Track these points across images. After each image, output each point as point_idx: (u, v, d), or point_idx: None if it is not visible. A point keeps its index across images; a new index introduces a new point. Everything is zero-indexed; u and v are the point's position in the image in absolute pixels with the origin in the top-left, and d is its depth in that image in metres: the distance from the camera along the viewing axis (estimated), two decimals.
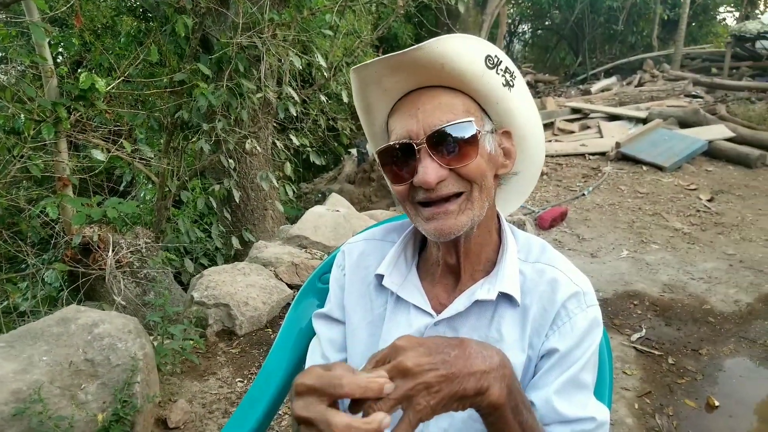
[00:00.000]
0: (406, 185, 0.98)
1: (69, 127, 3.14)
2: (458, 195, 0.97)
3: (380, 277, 1.09)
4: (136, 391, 2.36)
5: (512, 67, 1.01)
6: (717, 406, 3.01)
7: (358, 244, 1.20)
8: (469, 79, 0.96)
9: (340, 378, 0.70)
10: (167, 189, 3.97)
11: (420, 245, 1.15)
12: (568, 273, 1.05)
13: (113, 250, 3.38)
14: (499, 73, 0.98)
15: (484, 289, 1.02)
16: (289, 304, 3.63)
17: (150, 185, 4.78)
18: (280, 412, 2.82)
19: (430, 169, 0.93)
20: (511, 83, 1.01)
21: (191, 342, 2.96)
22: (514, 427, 0.84)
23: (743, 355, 3.47)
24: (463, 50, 0.94)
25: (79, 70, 3.83)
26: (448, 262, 1.07)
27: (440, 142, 0.94)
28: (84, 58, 4.61)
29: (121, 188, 4.62)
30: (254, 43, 3.73)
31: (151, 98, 4.21)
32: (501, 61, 0.98)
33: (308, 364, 1.16)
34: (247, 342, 3.35)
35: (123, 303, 3.33)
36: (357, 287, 1.14)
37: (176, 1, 3.59)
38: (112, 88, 3.44)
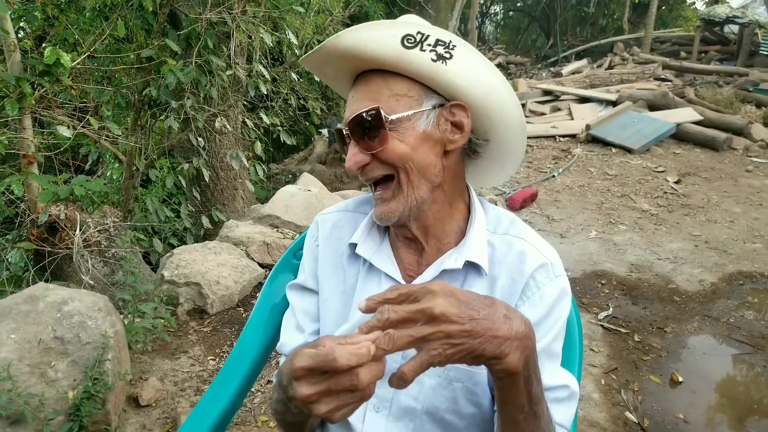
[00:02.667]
0: None
1: (33, 103, 3.06)
2: (392, 179, 1.01)
3: (353, 246, 1.11)
4: (107, 368, 2.34)
5: (447, 38, 0.99)
6: (681, 382, 3.10)
7: (331, 215, 1.21)
8: (390, 63, 0.97)
9: (332, 352, 0.71)
10: (135, 168, 3.90)
11: None
12: (536, 245, 1.07)
13: (80, 229, 3.32)
14: (425, 50, 0.97)
15: (451, 259, 1.04)
16: (261, 284, 3.63)
17: (117, 164, 4.69)
18: (252, 390, 2.83)
19: (351, 155, 0.99)
20: (446, 55, 0.98)
21: (162, 320, 2.94)
22: (522, 395, 0.86)
23: (706, 333, 3.58)
24: (371, 38, 0.96)
25: (43, 45, 3.72)
26: (407, 237, 1.10)
27: (358, 129, 0.98)
28: (47, 33, 4.47)
29: (87, 167, 4.51)
30: (224, 19, 3.66)
31: (118, 75, 4.11)
32: (427, 36, 0.97)
33: (283, 334, 1.17)
34: (218, 321, 3.34)
35: (91, 283, 3.28)
36: (330, 258, 1.16)
37: None
38: (78, 63, 3.35)
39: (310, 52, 1.01)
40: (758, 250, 4.73)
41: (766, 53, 14.28)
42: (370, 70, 1.01)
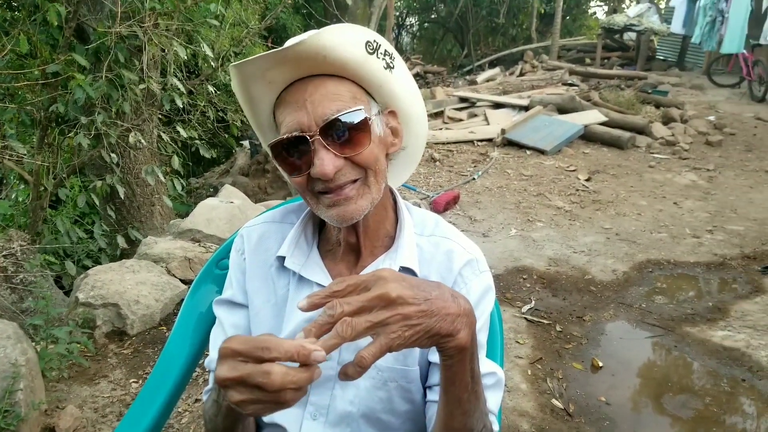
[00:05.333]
0: (304, 176, 0.99)
1: None
2: (355, 180, 1.00)
3: (282, 259, 1.10)
4: (18, 399, 2.21)
5: (391, 49, 1.04)
6: (601, 367, 3.26)
7: (256, 227, 1.20)
8: (353, 67, 0.99)
9: (266, 342, 0.70)
10: (43, 188, 3.71)
11: (320, 224, 1.17)
12: (461, 243, 1.12)
13: None
14: (379, 57, 1.01)
15: (385, 264, 1.07)
16: (183, 300, 3.52)
17: (23, 185, 4.44)
18: (179, 410, 2.74)
19: (326, 160, 0.95)
20: (391, 65, 1.04)
21: (78, 345, 2.80)
22: (467, 373, 0.88)
23: (622, 319, 3.77)
24: (344, 39, 0.96)
25: None
26: (349, 241, 1.10)
27: (333, 131, 0.96)
28: None
29: None
30: (135, 32, 3.55)
31: (21, 91, 3.90)
32: (380, 45, 1.02)
33: (212, 351, 1.15)
34: (140, 341, 3.22)
35: None
36: (258, 270, 1.14)
37: None
38: None
39: (278, 48, 0.96)
40: (664, 239, 5.03)
41: (662, 58, 15.26)
42: (312, 76, 0.99)
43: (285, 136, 0.97)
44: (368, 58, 1.00)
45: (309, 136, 0.95)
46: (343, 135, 0.96)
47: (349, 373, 0.72)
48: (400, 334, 0.74)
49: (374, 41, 1.01)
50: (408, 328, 0.75)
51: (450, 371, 0.88)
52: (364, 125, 0.97)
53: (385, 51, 1.03)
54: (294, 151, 0.99)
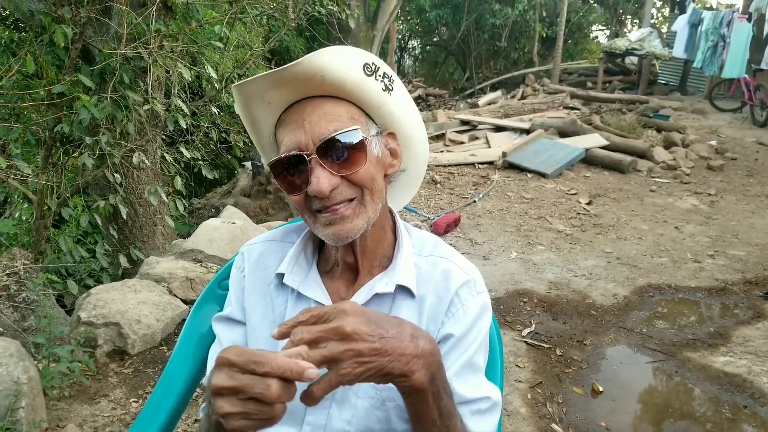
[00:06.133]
0: (302, 194, 1.01)
1: None
2: (351, 200, 1.01)
3: (281, 276, 1.12)
4: (20, 417, 2.22)
5: (390, 72, 1.07)
6: (601, 392, 3.24)
7: (257, 245, 1.22)
8: (350, 88, 1.01)
9: (261, 355, 0.71)
10: (46, 207, 3.74)
11: (319, 244, 1.18)
12: (459, 264, 1.13)
13: None
14: (378, 79, 1.04)
15: (382, 283, 1.07)
16: (184, 320, 3.52)
17: (27, 204, 4.47)
18: (179, 430, 2.73)
19: (322, 179, 0.97)
20: (390, 87, 1.06)
21: (80, 364, 2.80)
22: (433, 410, 0.89)
23: (622, 344, 3.75)
24: (341, 61, 0.99)
25: None
26: (346, 261, 1.12)
27: (329, 151, 0.98)
28: None
29: None
30: (140, 54, 3.60)
31: (27, 111, 3.95)
32: (379, 68, 1.04)
33: (209, 368, 1.16)
34: (140, 361, 3.22)
35: (0, 329, 3.09)
36: (257, 288, 1.16)
37: (54, 10, 3.40)
38: None
39: (275, 69, 0.99)
40: (665, 264, 5.02)
41: (663, 82, 15.38)
42: (311, 97, 1.02)
43: (283, 155, 1.00)
44: (366, 80, 1.02)
45: (306, 155, 0.98)
46: (340, 154, 0.98)
47: (303, 401, 0.75)
48: (350, 370, 0.76)
49: (372, 63, 1.03)
50: (359, 365, 0.77)
51: (413, 408, 0.90)
52: (360, 145, 0.99)
53: (384, 73, 1.05)
54: (293, 170, 1.01)
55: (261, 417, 0.73)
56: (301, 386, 0.75)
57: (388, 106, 1.07)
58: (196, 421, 2.79)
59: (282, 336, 0.78)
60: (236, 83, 1.02)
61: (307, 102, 1.02)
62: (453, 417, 0.94)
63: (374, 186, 1.03)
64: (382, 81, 1.04)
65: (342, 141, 0.98)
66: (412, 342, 0.82)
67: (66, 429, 2.58)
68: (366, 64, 1.02)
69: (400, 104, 1.09)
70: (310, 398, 0.75)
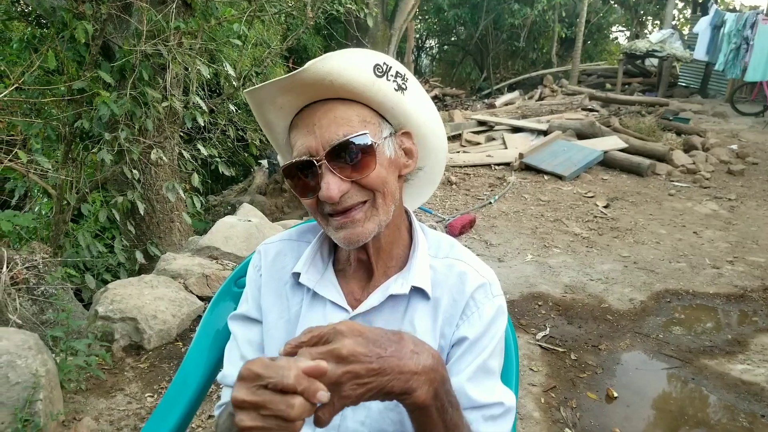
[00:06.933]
0: (314, 199, 1.01)
1: None
2: (363, 203, 1.01)
3: (297, 276, 1.12)
4: (38, 409, 2.24)
5: (403, 70, 1.06)
6: (616, 397, 3.21)
7: (274, 244, 1.22)
8: (361, 90, 1.00)
9: (289, 369, 0.71)
10: (66, 202, 3.78)
11: (335, 244, 1.18)
12: (475, 266, 1.12)
13: (7, 267, 3.18)
14: (390, 80, 1.03)
15: (397, 284, 1.07)
16: (200, 317, 3.55)
17: (46, 199, 4.52)
18: (193, 426, 2.75)
19: (332, 184, 0.97)
20: (403, 86, 1.05)
21: (96, 358, 2.83)
22: (438, 425, 0.88)
23: (638, 349, 3.71)
24: (349, 64, 0.98)
25: None
26: (360, 260, 1.12)
27: (339, 156, 0.97)
28: None
29: (13, 202, 4.32)
30: (159, 51, 3.63)
31: (47, 107, 3.99)
32: (390, 67, 1.03)
33: (226, 365, 1.16)
34: (156, 356, 3.24)
35: (19, 322, 3.13)
36: (273, 287, 1.16)
37: (75, 6, 3.44)
38: (5, 95, 3.25)
39: (284, 76, 0.99)
40: (683, 269, 4.96)
41: (684, 84, 15.20)
42: (322, 100, 1.01)
43: (294, 160, 1.01)
44: (377, 81, 1.01)
45: (316, 160, 0.98)
46: (350, 159, 0.98)
47: (317, 426, 0.76)
48: (351, 393, 0.77)
49: (384, 64, 1.02)
50: (358, 387, 0.77)
51: (416, 422, 0.90)
52: (369, 149, 0.99)
53: (396, 72, 1.04)
54: (304, 174, 1.01)
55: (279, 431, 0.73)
56: None
57: (402, 106, 1.05)
58: (210, 417, 2.81)
59: (287, 354, 0.78)
60: (247, 90, 1.03)
61: (318, 105, 1.01)
62: (459, 429, 0.93)
63: (386, 189, 1.02)
64: (394, 81, 1.03)
65: (351, 146, 0.97)
66: (411, 359, 0.82)
67: (82, 422, 2.61)
68: (377, 65, 1.01)
69: (414, 103, 1.08)
70: (319, 423, 0.76)
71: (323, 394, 0.72)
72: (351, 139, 0.97)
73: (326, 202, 1.00)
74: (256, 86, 1.02)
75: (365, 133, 0.98)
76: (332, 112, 1.00)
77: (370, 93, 1.01)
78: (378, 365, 0.78)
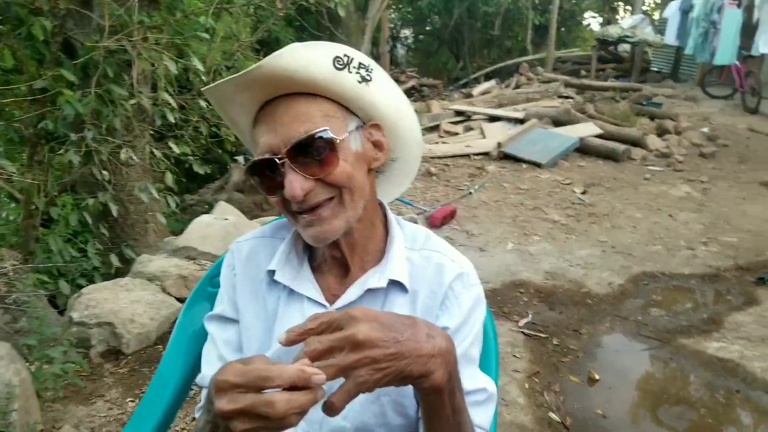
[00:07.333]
0: (281, 196, 0.99)
1: None
2: (330, 200, 0.99)
3: (272, 273, 1.10)
4: (13, 419, 2.20)
5: (366, 61, 1.03)
6: (598, 380, 3.25)
7: (247, 242, 1.20)
8: (322, 85, 0.98)
9: (268, 371, 0.70)
10: (34, 206, 3.69)
11: None
12: (452, 257, 1.12)
13: None
14: (352, 72, 1.00)
15: (374, 278, 1.06)
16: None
17: (13, 204, 4.41)
18: (177, 428, 2.72)
19: (295, 183, 0.95)
20: (368, 77, 1.03)
21: (73, 365, 2.78)
22: (447, 408, 0.88)
23: (618, 332, 3.78)
24: (307, 58, 0.96)
25: None
26: (333, 256, 1.10)
27: (301, 153, 0.95)
28: None
29: None
30: (123, 47, 3.54)
31: (8, 108, 3.88)
32: (352, 59, 1.01)
33: (204, 367, 1.14)
34: (135, 360, 3.20)
35: None
36: (249, 285, 1.14)
37: (30, 1, 3.33)
38: None
39: (237, 74, 0.97)
40: (659, 252, 5.03)
41: (656, 69, 15.35)
42: (284, 95, 0.99)
43: (258, 158, 0.99)
44: (338, 74, 0.99)
45: (278, 158, 0.96)
46: (312, 156, 0.96)
47: (325, 413, 0.74)
48: (368, 378, 0.75)
49: (345, 56, 1.00)
50: (376, 371, 0.75)
51: (428, 407, 0.90)
52: (332, 145, 0.97)
53: (360, 64, 1.01)
54: (268, 172, 0.99)
55: (276, 426, 0.72)
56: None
57: (367, 97, 1.03)
58: (194, 419, 2.78)
59: (289, 343, 0.76)
60: (204, 88, 1.01)
61: (280, 101, 0.99)
62: (463, 412, 0.93)
63: (353, 185, 1.00)
64: (357, 72, 1.01)
65: (312, 143, 0.95)
66: (428, 342, 0.81)
67: (62, 430, 2.56)
68: (337, 57, 0.99)
69: (381, 94, 1.06)
70: (331, 410, 0.74)
71: (318, 378, 0.70)
72: (312, 136, 0.95)
73: (291, 201, 0.98)
74: (211, 85, 1.01)
75: (326, 129, 0.96)
76: (293, 108, 0.98)
77: (332, 86, 0.99)
78: (396, 350, 0.76)
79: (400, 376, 0.78)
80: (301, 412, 0.71)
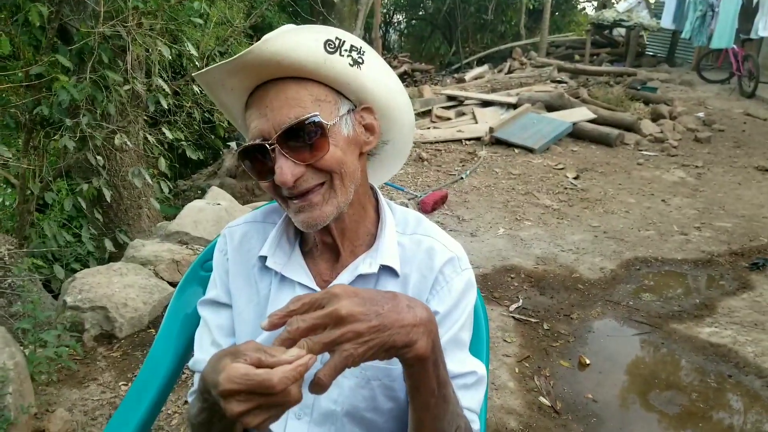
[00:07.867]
0: (272, 181, 0.99)
1: None
2: (321, 185, 0.99)
3: (264, 259, 1.11)
4: (8, 403, 2.21)
5: (359, 44, 1.03)
6: (588, 364, 3.28)
7: (239, 227, 1.20)
8: (312, 69, 0.97)
9: (270, 378, 0.71)
10: (29, 191, 3.69)
11: None
12: (443, 241, 1.13)
13: None
14: (343, 55, 1.00)
15: (366, 263, 1.07)
16: None
17: (9, 189, 4.41)
18: (170, 412, 2.74)
19: (285, 168, 0.95)
20: (359, 60, 1.02)
21: (67, 348, 2.79)
22: (432, 379, 0.89)
23: (609, 317, 3.79)
24: (297, 42, 0.95)
25: None
26: (324, 241, 1.11)
27: (292, 138, 0.95)
28: None
29: None
30: (118, 32, 3.52)
31: (5, 94, 3.87)
32: (344, 42, 1.00)
33: (197, 352, 1.15)
34: (129, 344, 3.21)
35: None
36: (241, 270, 1.15)
37: None
38: None
39: (227, 60, 0.97)
40: (651, 237, 5.05)
41: (651, 53, 15.32)
42: (275, 79, 0.99)
43: (249, 143, 0.99)
44: (329, 58, 0.98)
45: (269, 144, 0.96)
46: (303, 141, 0.96)
47: (312, 391, 0.75)
48: (353, 351, 0.76)
49: (336, 39, 0.99)
50: (360, 345, 0.77)
51: (413, 379, 0.90)
52: (322, 130, 0.97)
53: (351, 47, 1.01)
54: (260, 157, 0.99)
55: (285, 407, 0.75)
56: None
57: (359, 80, 1.03)
58: (185, 402, 2.80)
59: (272, 327, 0.77)
60: (194, 73, 1.00)
61: (270, 86, 0.99)
62: (448, 385, 0.95)
63: (343, 170, 1.00)
64: (348, 55, 1.01)
65: (302, 128, 0.95)
66: (409, 312, 0.82)
67: (56, 413, 2.57)
68: (328, 41, 0.98)
69: (373, 77, 1.05)
70: (318, 386, 0.75)
71: (311, 360, 0.73)
72: (302, 121, 0.95)
73: (282, 186, 0.98)
74: (202, 71, 1.00)
75: (316, 115, 0.96)
76: (284, 92, 0.98)
77: (323, 70, 0.99)
78: (378, 321, 0.78)
79: (384, 347, 0.79)
80: (298, 381, 0.73)
